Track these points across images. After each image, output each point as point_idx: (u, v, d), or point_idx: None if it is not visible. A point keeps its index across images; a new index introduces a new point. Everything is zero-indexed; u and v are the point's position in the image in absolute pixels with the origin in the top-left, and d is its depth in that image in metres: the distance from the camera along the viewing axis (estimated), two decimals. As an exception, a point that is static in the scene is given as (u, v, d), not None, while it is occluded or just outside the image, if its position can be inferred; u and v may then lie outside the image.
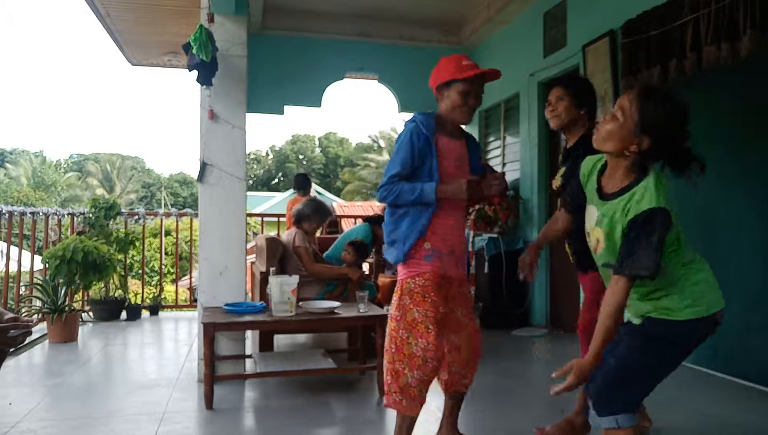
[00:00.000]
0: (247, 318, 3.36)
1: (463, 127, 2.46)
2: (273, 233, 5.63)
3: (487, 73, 2.30)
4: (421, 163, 2.26)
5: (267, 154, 41.60)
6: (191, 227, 6.99)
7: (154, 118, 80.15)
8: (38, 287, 5.10)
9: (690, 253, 1.88)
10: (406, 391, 2.21)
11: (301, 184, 6.93)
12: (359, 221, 8.75)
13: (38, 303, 5.16)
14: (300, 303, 3.54)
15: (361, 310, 3.44)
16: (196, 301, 4.99)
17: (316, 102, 6.68)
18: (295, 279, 3.38)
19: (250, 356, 3.80)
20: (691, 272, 1.85)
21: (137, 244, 6.47)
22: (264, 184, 38.86)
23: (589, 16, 4.77)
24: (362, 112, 70.46)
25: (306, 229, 4.30)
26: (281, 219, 7.22)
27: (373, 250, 4.96)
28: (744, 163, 3.63)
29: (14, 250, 7.26)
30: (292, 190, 7.29)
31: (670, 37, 3.72)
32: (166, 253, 12.40)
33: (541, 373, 3.31)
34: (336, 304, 3.57)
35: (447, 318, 2.36)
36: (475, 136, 6.77)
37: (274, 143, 51.74)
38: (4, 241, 6.32)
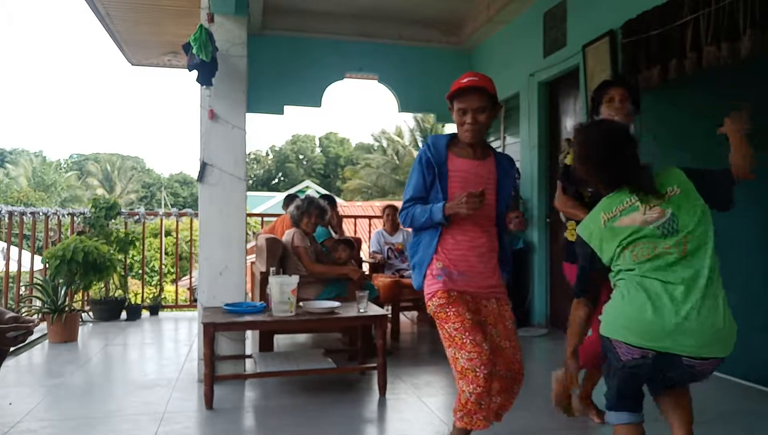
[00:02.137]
0: (247, 318, 3.37)
1: (491, 147, 2.44)
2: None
3: (476, 84, 2.21)
4: (432, 186, 2.28)
5: (267, 154, 41.58)
6: (191, 227, 6.99)
7: (154, 118, 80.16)
8: (38, 287, 5.10)
9: (631, 265, 1.84)
10: (466, 406, 2.19)
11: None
12: (359, 221, 8.80)
13: (38, 303, 5.16)
14: (300, 303, 3.55)
15: (361, 310, 3.44)
16: (196, 301, 4.99)
17: (316, 102, 6.67)
18: (295, 279, 3.38)
19: (250, 356, 3.80)
20: (622, 283, 1.86)
21: (137, 244, 6.47)
22: (264, 184, 38.84)
23: (589, 16, 4.77)
24: (362, 112, 70.47)
25: (305, 229, 4.29)
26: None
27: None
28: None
29: (14, 250, 7.26)
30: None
31: (670, 37, 3.72)
32: (166, 253, 12.40)
33: (541, 374, 3.30)
34: (336, 304, 3.57)
35: (486, 331, 2.31)
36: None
37: (274, 143, 51.74)
38: (4, 241, 6.32)
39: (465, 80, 2.24)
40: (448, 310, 2.21)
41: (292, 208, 4.38)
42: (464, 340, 2.16)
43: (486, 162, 2.34)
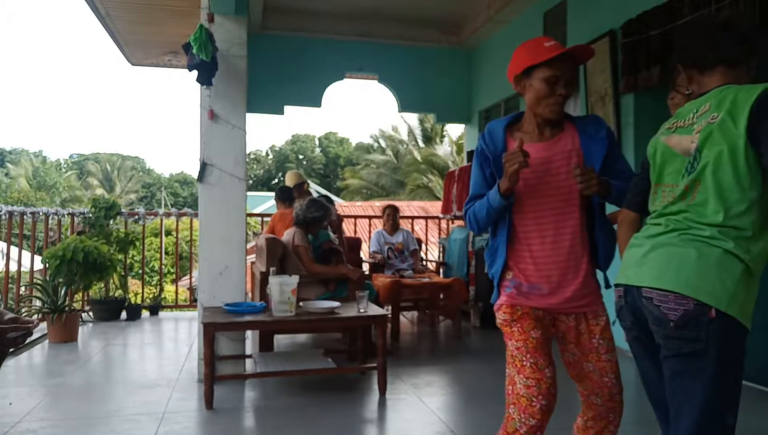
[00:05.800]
0: (247, 318, 3.37)
1: (571, 116, 2.01)
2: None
3: (574, 51, 1.88)
4: (493, 181, 1.95)
5: (267, 154, 41.59)
6: (191, 227, 6.99)
7: (154, 118, 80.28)
8: (38, 287, 5.10)
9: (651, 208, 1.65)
10: None
11: (286, 196, 5.74)
12: (359, 221, 8.80)
13: (38, 303, 5.16)
14: (300, 303, 3.55)
15: (361, 310, 3.44)
16: (196, 301, 4.99)
17: (316, 102, 6.68)
18: (295, 279, 3.38)
19: (250, 356, 3.80)
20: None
21: (137, 244, 6.47)
22: (264, 184, 38.85)
23: (589, 16, 4.77)
24: (362, 112, 70.52)
25: (306, 230, 4.29)
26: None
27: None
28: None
29: (14, 250, 7.26)
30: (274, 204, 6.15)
31: (670, 37, 3.72)
32: (166, 253, 12.41)
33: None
34: (336, 304, 3.57)
35: (568, 359, 1.99)
36: (474, 136, 6.81)
37: (274, 143, 51.78)
38: (4, 241, 6.32)
39: (549, 44, 1.87)
40: (512, 326, 1.92)
41: (299, 209, 4.35)
42: (524, 363, 1.87)
43: (558, 139, 1.93)
